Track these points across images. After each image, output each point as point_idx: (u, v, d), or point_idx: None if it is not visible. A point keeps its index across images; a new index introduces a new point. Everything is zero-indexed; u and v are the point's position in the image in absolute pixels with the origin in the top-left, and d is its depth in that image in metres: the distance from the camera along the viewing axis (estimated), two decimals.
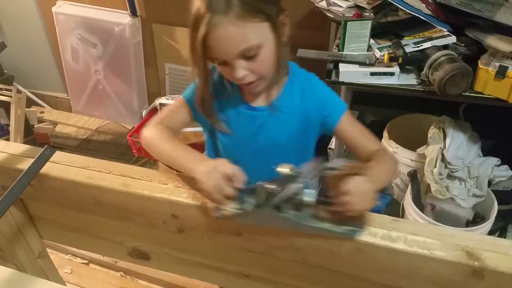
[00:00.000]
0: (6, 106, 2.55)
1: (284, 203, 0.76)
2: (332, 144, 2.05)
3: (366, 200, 0.74)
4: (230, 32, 0.81)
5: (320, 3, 1.75)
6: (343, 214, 0.75)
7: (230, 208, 0.79)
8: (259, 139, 1.02)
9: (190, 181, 0.88)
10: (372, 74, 1.46)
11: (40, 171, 0.88)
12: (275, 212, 0.76)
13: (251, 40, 0.83)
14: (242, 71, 0.87)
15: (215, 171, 0.79)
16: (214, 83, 1.00)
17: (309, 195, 0.75)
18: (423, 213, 1.65)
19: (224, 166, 0.79)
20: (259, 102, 0.99)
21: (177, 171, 0.92)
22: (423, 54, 1.42)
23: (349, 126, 0.99)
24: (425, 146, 1.72)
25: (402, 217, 1.77)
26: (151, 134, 0.97)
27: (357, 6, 1.65)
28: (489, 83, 1.35)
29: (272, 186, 0.76)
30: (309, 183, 0.74)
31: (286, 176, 0.74)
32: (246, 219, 0.81)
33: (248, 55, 0.85)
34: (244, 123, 1.01)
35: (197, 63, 0.89)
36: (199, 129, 1.10)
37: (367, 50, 1.53)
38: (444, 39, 1.43)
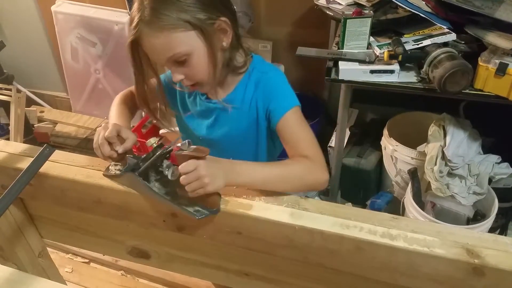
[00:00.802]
0: (6, 105, 2.55)
1: (151, 173, 0.84)
2: (332, 142, 2.05)
3: (199, 184, 0.76)
4: (154, 42, 0.87)
5: (319, 1, 1.75)
6: (200, 196, 0.79)
7: (114, 169, 0.88)
8: (214, 131, 1.07)
9: None
10: (372, 72, 1.46)
11: (40, 170, 0.88)
12: (139, 178, 0.82)
13: (176, 49, 0.88)
14: (178, 76, 0.92)
15: (101, 131, 0.88)
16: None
17: (171, 171, 0.81)
18: (423, 211, 1.65)
19: (109, 128, 0.87)
20: (216, 96, 1.03)
21: None
22: (423, 52, 1.42)
23: (289, 125, 0.95)
24: (425, 144, 1.72)
25: (403, 215, 1.77)
26: (115, 98, 1.09)
27: (356, 4, 1.65)
28: (489, 80, 1.35)
29: (135, 159, 0.84)
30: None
31: (152, 148, 0.84)
32: (122, 181, 0.88)
33: (178, 61, 0.90)
34: (202, 113, 1.08)
35: (132, 63, 0.98)
36: None
37: (367, 48, 1.53)
38: (444, 36, 1.43)
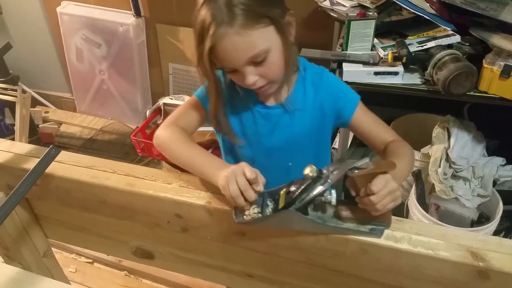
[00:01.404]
0: (11, 106, 2.57)
1: (307, 205, 0.75)
2: (336, 143, 2.05)
3: (392, 199, 0.74)
4: (237, 41, 0.81)
5: (323, 3, 1.75)
6: (368, 213, 0.75)
7: (252, 212, 0.78)
8: (275, 137, 1.01)
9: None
10: (376, 73, 1.46)
11: (45, 171, 0.89)
12: (298, 214, 0.74)
13: (258, 47, 0.83)
14: (253, 77, 0.87)
15: (236, 176, 0.77)
16: (225, 87, 0.99)
17: (332, 195, 0.74)
18: (427, 213, 1.65)
19: (245, 170, 0.78)
20: (273, 101, 0.99)
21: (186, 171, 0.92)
22: (427, 54, 1.42)
23: (364, 118, 0.99)
24: (429, 145, 1.72)
25: (407, 217, 1.77)
26: (165, 135, 0.96)
27: (360, 6, 1.65)
28: (493, 82, 1.35)
29: (293, 189, 0.75)
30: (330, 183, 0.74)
31: (309, 178, 0.73)
32: (268, 223, 0.79)
33: (257, 61, 0.85)
34: (260, 122, 1.00)
35: (207, 75, 0.89)
36: (204, 128, 1.10)
37: (371, 50, 1.53)
38: (448, 38, 1.42)
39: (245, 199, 0.77)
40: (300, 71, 0.99)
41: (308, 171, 0.72)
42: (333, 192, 0.74)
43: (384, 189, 0.72)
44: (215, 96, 0.94)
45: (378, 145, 0.98)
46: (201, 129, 1.10)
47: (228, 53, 0.83)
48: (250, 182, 0.77)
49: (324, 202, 0.75)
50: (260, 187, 0.78)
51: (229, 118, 1.01)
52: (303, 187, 0.74)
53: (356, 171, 0.71)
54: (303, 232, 0.80)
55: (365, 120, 0.99)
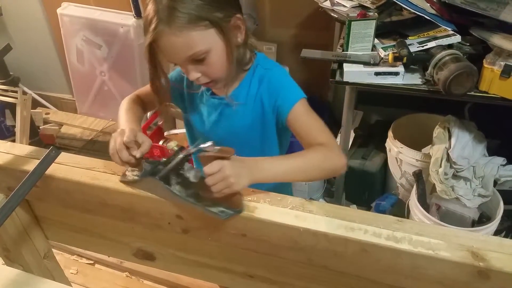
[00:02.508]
0: (12, 107, 2.57)
1: (172, 177, 0.82)
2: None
3: (225, 185, 0.77)
4: (174, 41, 0.87)
5: (324, 3, 1.75)
6: (223, 196, 0.79)
7: (131, 174, 0.86)
8: (220, 127, 1.07)
9: None
10: (377, 74, 1.46)
11: (46, 172, 0.89)
12: (160, 183, 0.80)
13: (196, 47, 0.88)
14: (195, 74, 0.93)
15: (116, 136, 0.87)
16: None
17: (191, 173, 0.81)
18: (428, 213, 1.65)
19: (126, 133, 0.86)
20: (222, 92, 1.03)
21: None
22: (428, 54, 1.42)
23: (300, 117, 0.98)
24: (430, 146, 1.72)
25: (408, 217, 1.77)
26: (122, 103, 1.08)
27: (361, 6, 1.65)
28: (494, 82, 1.35)
29: (164, 159, 0.83)
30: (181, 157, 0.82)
31: (172, 151, 0.83)
32: (140, 186, 0.86)
33: (197, 59, 0.90)
34: (207, 110, 1.08)
35: (149, 65, 0.96)
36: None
37: (372, 50, 1.53)
38: (448, 38, 1.43)
39: (120, 160, 0.87)
40: (252, 67, 1.03)
41: (172, 145, 0.81)
42: (193, 170, 0.81)
43: (218, 174, 0.76)
44: (155, 84, 1.01)
45: (305, 145, 0.97)
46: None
47: (166, 50, 0.90)
48: (126, 145, 0.86)
49: (187, 178, 0.81)
50: (136, 153, 0.86)
51: (186, 102, 1.11)
52: (167, 158, 0.83)
53: (201, 152, 0.78)
54: (301, 231, 0.80)
55: (300, 119, 0.98)
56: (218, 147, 0.79)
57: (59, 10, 2.63)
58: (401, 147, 1.81)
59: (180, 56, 0.90)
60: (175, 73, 1.13)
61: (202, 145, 0.79)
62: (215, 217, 0.80)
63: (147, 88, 1.11)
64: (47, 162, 0.87)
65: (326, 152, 0.92)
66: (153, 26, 0.86)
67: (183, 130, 2.24)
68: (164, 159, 0.84)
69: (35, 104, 2.94)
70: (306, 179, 0.90)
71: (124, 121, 1.01)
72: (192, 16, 0.85)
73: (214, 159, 0.77)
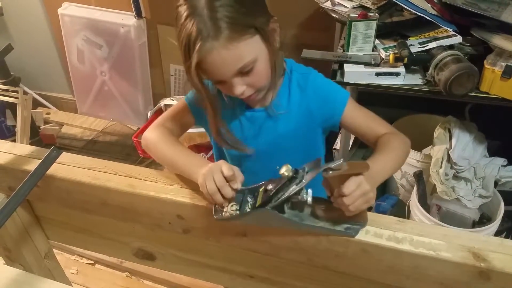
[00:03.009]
0: (12, 107, 2.57)
1: (283, 203, 0.76)
2: (337, 144, 2.05)
3: (364, 200, 0.74)
4: (224, 55, 0.81)
5: (325, 4, 1.75)
6: (343, 213, 0.76)
7: (230, 209, 0.79)
8: (260, 141, 1.01)
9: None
10: (377, 74, 1.46)
11: (47, 173, 0.89)
12: (274, 212, 0.75)
13: (245, 58, 0.83)
14: (241, 87, 0.87)
15: (213, 173, 0.78)
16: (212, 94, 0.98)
17: (308, 195, 0.75)
18: (429, 213, 1.65)
19: (222, 167, 0.78)
20: (258, 104, 0.99)
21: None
22: (429, 54, 1.41)
23: (355, 114, 0.98)
24: (430, 146, 1.72)
25: (408, 217, 1.77)
26: (153, 136, 0.97)
27: (362, 7, 1.65)
28: (495, 83, 1.34)
29: (270, 187, 0.77)
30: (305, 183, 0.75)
31: (284, 177, 0.74)
32: (245, 220, 0.80)
33: (244, 71, 0.85)
34: (245, 125, 1.01)
35: (198, 90, 0.90)
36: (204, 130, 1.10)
37: (372, 51, 1.53)
38: (449, 39, 1.42)
39: (223, 196, 0.78)
40: (286, 73, 0.99)
41: (284, 170, 0.74)
42: (309, 191, 0.76)
43: (356, 191, 0.73)
44: (211, 109, 0.94)
45: (371, 139, 0.97)
46: (202, 130, 1.11)
47: (216, 66, 0.83)
48: (228, 180, 0.78)
49: (301, 201, 0.76)
50: (238, 185, 0.79)
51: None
52: (279, 186, 0.75)
53: (330, 172, 0.72)
54: (301, 232, 0.80)
55: (356, 116, 0.98)
56: (345, 163, 0.72)
57: (60, 10, 2.63)
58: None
59: (230, 70, 0.84)
60: (194, 93, 1.03)
61: (331, 165, 0.72)
62: (343, 235, 0.77)
63: (171, 113, 1.04)
64: (48, 162, 0.87)
65: (399, 138, 0.94)
66: (198, 46, 0.79)
67: (195, 130, 2.22)
68: (269, 187, 0.78)
69: (36, 104, 2.94)
70: (401, 166, 0.93)
71: (185, 155, 0.92)
72: (238, 25, 0.80)
73: (347, 177, 0.73)
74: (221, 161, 0.81)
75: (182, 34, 0.82)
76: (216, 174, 0.78)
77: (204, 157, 2.28)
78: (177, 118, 1.03)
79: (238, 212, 0.79)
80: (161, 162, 0.96)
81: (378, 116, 0.99)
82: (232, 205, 0.80)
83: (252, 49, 0.83)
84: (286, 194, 0.74)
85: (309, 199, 0.75)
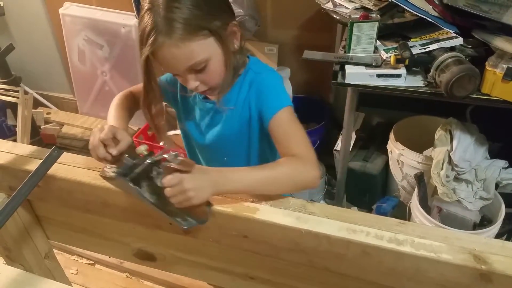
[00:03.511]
0: (13, 107, 2.57)
1: (142, 180, 0.82)
2: (338, 145, 2.05)
3: (184, 198, 0.77)
4: (175, 52, 0.86)
5: (326, 5, 1.75)
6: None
7: (110, 171, 0.84)
8: (211, 131, 1.07)
9: None
10: (379, 75, 1.46)
11: (47, 172, 0.89)
12: (129, 184, 0.80)
13: (196, 57, 0.88)
14: (194, 83, 0.93)
15: (97, 132, 0.85)
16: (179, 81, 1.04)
17: (159, 179, 0.80)
18: (429, 215, 1.65)
19: (104, 130, 0.85)
20: (214, 97, 1.03)
21: None
22: (430, 56, 1.42)
23: (280, 125, 0.95)
24: (431, 148, 1.72)
25: (409, 219, 1.76)
26: (114, 98, 1.09)
27: (363, 8, 1.65)
28: (496, 85, 1.34)
29: (136, 161, 0.83)
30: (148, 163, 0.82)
31: (143, 155, 0.83)
32: (115, 184, 0.87)
33: (197, 69, 0.90)
34: (201, 114, 1.08)
35: (143, 77, 0.95)
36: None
37: (374, 52, 1.53)
38: (451, 40, 1.42)
39: (97, 156, 0.85)
40: (243, 71, 1.02)
41: (142, 148, 0.84)
42: (161, 177, 0.80)
43: (176, 187, 0.76)
44: (148, 98, 1.00)
45: (281, 155, 0.94)
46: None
47: (166, 61, 0.89)
48: (103, 143, 0.84)
49: (156, 183, 0.81)
50: (113, 151, 0.84)
51: (180, 108, 1.12)
52: (136, 161, 0.83)
53: (165, 162, 0.78)
54: (302, 232, 0.80)
55: (280, 128, 0.94)
56: (180, 158, 0.77)
57: (61, 10, 2.63)
58: (403, 149, 1.81)
59: (180, 67, 0.90)
60: (168, 75, 1.12)
61: (165, 155, 0.79)
62: (178, 225, 0.81)
63: (140, 86, 1.08)
64: (49, 162, 0.87)
65: (298, 164, 0.88)
66: (152, 38, 0.85)
67: None
68: (136, 160, 0.84)
69: (36, 103, 2.94)
70: (276, 191, 0.85)
71: (110, 117, 1.01)
72: (192, 26, 0.85)
73: (176, 171, 0.77)
74: (108, 125, 0.87)
75: (140, 24, 0.88)
76: (97, 134, 0.85)
77: None
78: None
79: (113, 174, 0.84)
80: None
81: (306, 139, 0.94)
82: (111, 167, 0.85)
83: (204, 50, 0.88)
84: (137, 170, 0.81)
85: (158, 182, 0.80)
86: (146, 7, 0.87)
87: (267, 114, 0.96)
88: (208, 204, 0.83)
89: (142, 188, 0.82)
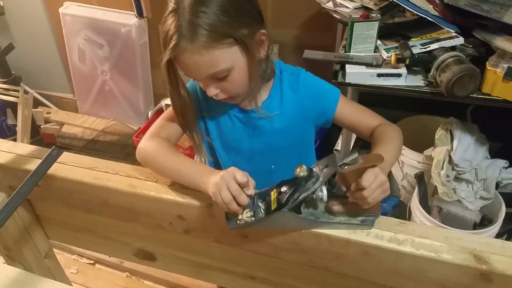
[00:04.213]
0: (13, 106, 2.57)
1: (300, 204, 0.76)
2: (338, 145, 2.04)
3: (382, 191, 0.75)
4: (197, 59, 0.82)
5: (326, 4, 1.75)
6: (358, 206, 0.76)
7: (245, 216, 0.78)
8: (255, 141, 1.01)
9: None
10: (379, 75, 1.46)
11: (47, 172, 0.89)
12: (291, 214, 0.75)
13: (219, 66, 0.83)
14: (214, 90, 0.88)
15: (227, 181, 0.76)
16: (202, 92, 0.97)
17: (323, 192, 0.75)
18: (430, 215, 1.64)
19: (236, 174, 0.77)
20: (250, 105, 0.98)
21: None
22: (431, 56, 1.41)
23: (347, 110, 1.00)
24: (432, 148, 1.71)
25: (409, 219, 1.76)
26: (149, 148, 0.94)
27: (364, 7, 1.64)
28: (497, 84, 1.34)
29: (285, 189, 0.76)
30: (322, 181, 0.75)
31: (300, 177, 0.74)
32: (262, 225, 0.79)
33: (218, 77, 0.85)
34: (238, 126, 1.01)
35: (166, 82, 0.90)
36: None
37: (374, 51, 1.53)
38: (451, 40, 1.42)
39: (238, 204, 0.76)
40: (276, 74, 1.00)
41: (299, 170, 0.74)
42: (324, 188, 0.75)
43: (374, 183, 0.74)
44: (176, 100, 0.93)
45: (365, 132, 1.00)
46: None
47: (188, 67, 0.84)
48: (242, 186, 0.76)
49: (315, 199, 0.76)
50: (251, 191, 0.78)
51: (207, 123, 1.02)
52: (294, 187, 0.74)
53: (346, 167, 0.73)
54: (303, 232, 0.80)
55: (348, 111, 1.00)
56: (360, 157, 0.73)
57: (61, 10, 2.63)
58: (403, 149, 1.81)
59: (201, 74, 0.85)
60: (190, 83, 1.03)
61: (346, 160, 0.73)
62: (360, 228, 0.77)
63: (161, 123, 1.01)
64: (49, 161, 0.87)
65: (392, 128, 0.97)
66: (173, 42, 0.80)
67: None
68: (284, 189, 0.76)
69: (36, 103, 2.94)
70: (399, 157, 0.95)
71: (191, 165, 0.89)
72: (217, 33, 0.80)
73: (362, 170, 0.73)
74: (233, 168, 0.79)
75: (163, 27, 0.84)
76: (230, 182, 0.76)
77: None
78: (169, 125, 0.99)
79: (253, 218, 0.77)
80: (163, 174, 0.93)
81: (367, 108, 1.02)
82: (246, 212, 0.78)
83: (227, 58, 0.83)
84: (304, 194, 0.74)
85: (325, 196, 0.75)
86: (171, 8, 0.82)
87: (331, 107, 0.99)
88: None
89: (303, 214, 0.77)
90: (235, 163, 1.02)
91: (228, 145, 1.03)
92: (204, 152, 1.02)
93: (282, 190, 0.76)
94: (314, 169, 0.75)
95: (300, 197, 0.74)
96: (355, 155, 0.73)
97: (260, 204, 0.79)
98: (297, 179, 0.75)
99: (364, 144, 2.15)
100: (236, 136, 1.01)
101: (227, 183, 0.76)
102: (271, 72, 0.99)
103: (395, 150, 0.91)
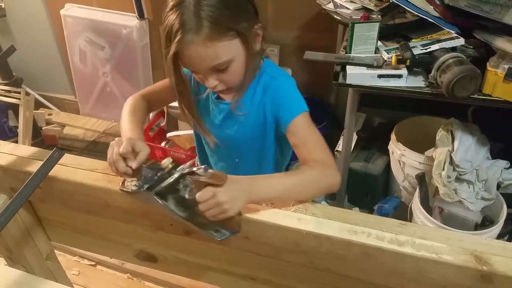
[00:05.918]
0: (14, 108, 2.58)
1: (168, 192, 0.80)
2: (339, 146, 2.04)
3: (219, 211, 0.75)
4: (201, 51, 0.86)
5: (327, 5, 1.75)
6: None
7: (130, 184, 0.83)
8: (222, 132, 1.07)
9: None
10: (380, 76, 1.46)
11: (49, 174, 0.89)
12: (155, 198, 0.79)
13: (221, 57, 0.88)
14: (213, 82, 0.92)
15: (114, 145, 0.84)
16: (193, 79, 1.05)
17: (187, 192, 0.79)
18: (431, 216, 1.64)
19: (123, 143, 0.83)
20: (228, 97, 1.04)
21: None
22: (431, 56, 1.41)
23: (298, 130, 0.96)
24: (433, 148, 1.71)
25: (410, 220, 1.76)
26: (126, 103, 1.06)
27: (364, 8, 1.65)
28: (497, 85, 1.34)
29: (159, 174, 0.82)
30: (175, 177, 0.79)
31: (166, 168, 0.82)
32: (137, 198, 0.86)
33: (219, 69, 0.90)
34: (214, 112, 1.08)
35: (170, 76, 0.95)
36: None
37: (375, 52, 1.53)
38: (452, 41, 1.42)
39: (117, 170, 0.83)
40: (259, 73, 1.02)
41: (167, 162, 0.82)
42: (188, 188, 0.79)
43: (210, 200, 0.74)
44: (182, 94, 1.00)
45: (301, 159, 0.95)
46: None
47: (191, 60, 0.89)
48: (122, 156, 0.82)
49: (183, 197, 0.80)
50: (133, 164, 0.82)
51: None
52: (161, 175, 0.82)
53: (194, 176, 0.76)
54: (304, 234, 0.80)
55: (299, 133, 0.96)
56: (211, 171, 0.75)
57: (62, 11, 2.64)
58: (404, 150, 1.81)
59: (204, 66, 0.89)
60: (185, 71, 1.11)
61: (195, 168, 0.76)
62: (210, 237, 0.80)
63: (154, 87, 1.11)
64: (50, 163, 0.87)
65: (323, 169, 0.90)
66: (179, 36, 0.84)
67: (185, 132, 2.25)
68: (159, 174, 0.82)
69: (38, 105, 2.94)
70: (304, 197, 0.85)
71: (125, 125, 0.99)
72: (221, 26, 0.85)
73: (207, 185, 0.75)
74: (126, 138, 0.86)
75: (166, 22, 0.88)
76: (115, 147, 0.83)
77: None
78: (158, 92, 1.11)
79: (134, 188, 0.83)
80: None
81: (324, 144, 0.95)
82: (132, 181, 0.84)
83: (229, 50, 0.88)
84: (163, 184, 0.79)
85: (187, 195, 0.79)
86: (172, 3, 0.87)
87: (285, 120, 0.97)
88: (240, 214, 0.81)
89: (168, 201, 0.80)
90: (201, 148, 1.18)
91: (206, 128, 1.10)
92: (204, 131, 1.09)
93: (158, 174, 0.82)
94: (181, 166, 0.80)
95: (163, 184, 0.79)
96: (203, 166, 0.76)
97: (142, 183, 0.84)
98: (165, 169, 0.82)
99: (365, 145, 2.15)
100: (210, 119, 1.08)
101: (113, 147, 0.84)
102: (258, 69, 1.02)
103: (295, 187, 0.86)
